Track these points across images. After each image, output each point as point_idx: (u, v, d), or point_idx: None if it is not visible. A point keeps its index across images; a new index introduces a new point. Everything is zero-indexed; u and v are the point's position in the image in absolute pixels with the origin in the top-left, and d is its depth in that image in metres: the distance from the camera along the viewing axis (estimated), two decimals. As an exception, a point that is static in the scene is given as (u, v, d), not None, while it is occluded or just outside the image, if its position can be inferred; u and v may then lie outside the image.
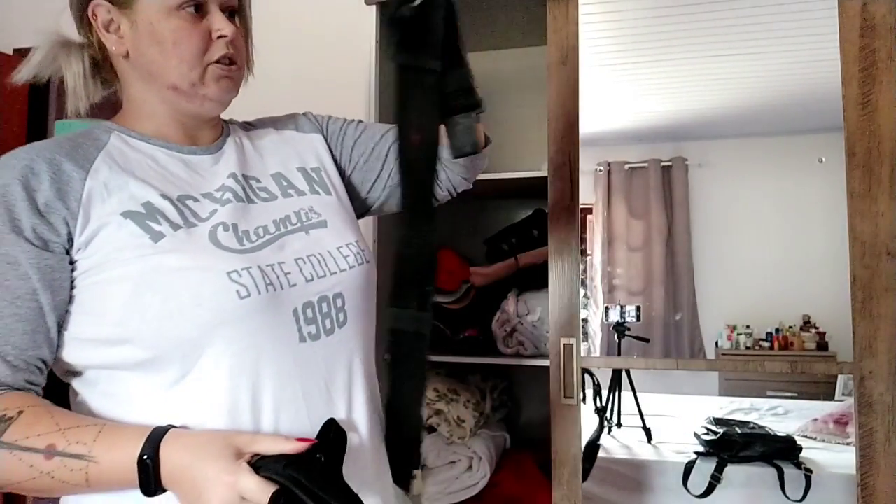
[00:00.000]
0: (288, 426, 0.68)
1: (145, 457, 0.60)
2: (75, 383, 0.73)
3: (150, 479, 0.60)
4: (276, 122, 0.93)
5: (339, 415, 0.74)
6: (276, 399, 0.69)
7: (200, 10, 0.74)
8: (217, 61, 0.75)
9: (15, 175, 0.67)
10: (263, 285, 0.68)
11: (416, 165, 0.77)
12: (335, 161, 0.91)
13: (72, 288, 0.69)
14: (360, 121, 0.96)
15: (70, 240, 0.68)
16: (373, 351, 0.85)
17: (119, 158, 0.74)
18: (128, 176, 0.72)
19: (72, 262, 0.68)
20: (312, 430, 0.67)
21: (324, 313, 0.73)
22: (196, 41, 0.73)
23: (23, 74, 0.79)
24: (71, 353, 0.70)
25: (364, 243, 0.83)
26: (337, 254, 0.77)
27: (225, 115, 0.87)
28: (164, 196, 0.71)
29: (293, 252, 0.74)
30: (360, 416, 0.78)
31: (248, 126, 0.92)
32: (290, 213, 0.78)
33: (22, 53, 0.81)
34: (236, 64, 0.78)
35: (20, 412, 0.63)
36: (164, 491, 0.62)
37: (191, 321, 0.65)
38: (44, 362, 0.68)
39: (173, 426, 0.64)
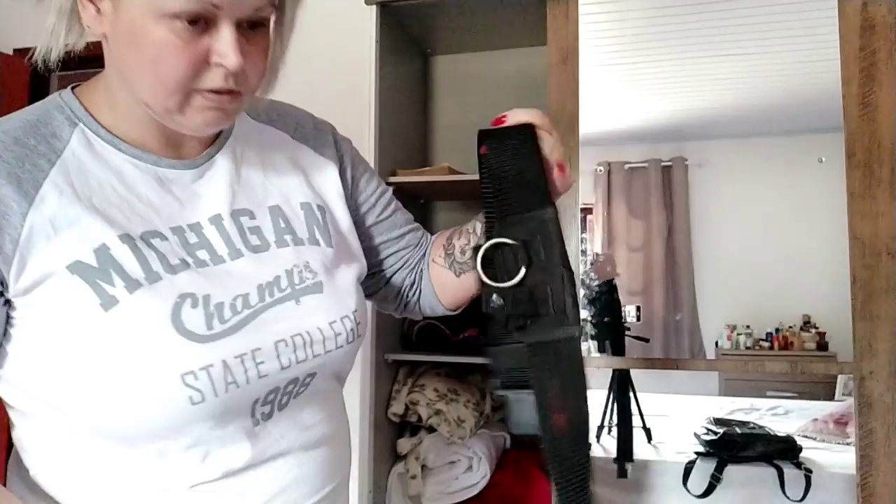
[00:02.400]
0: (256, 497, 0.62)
1: None
2: (11, 413, 0.63)
3: None
4: (298, 126, 0.75)
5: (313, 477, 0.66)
6: (230, 476, 0.61)
7: (203, 24, 0.54)
8: (208, 89, 0.56)
9: None
10: (223, 385, 0.56)
11: (563, 453, 0.57)
12: (346, 202, 0.76)
13: (8, 324, 0.57)
14: (389, 195, 0.82)
15: (3, 283, 0.55)
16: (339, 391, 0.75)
17: (76, 177, 0.58)
18: (82, 207, 0.57)
19: (7, 302, 0.57)
20: (287, 486, 0.63)
21: (288, 392, 0.63)
22: (183, 66, 0.54)
23: (51, 50, 0.62)
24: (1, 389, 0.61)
25: (363, 309, 0.70)
26: (329, 331, 0.64)
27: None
28: (124, 237, 0.57)
29: (274, 333, 0.61)
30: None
31: (257, 113, 0.73)
32: (280, 272, 0.64)
33: (22, 53, 0.77)
34: (234, 94, 0.58)
35: None
36: None
37: (132, 417, 0.56)
38: None
39: None
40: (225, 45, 0.55)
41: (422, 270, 0.82)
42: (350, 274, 0.70)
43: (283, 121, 0.75)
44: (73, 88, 0.64)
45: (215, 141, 0.67)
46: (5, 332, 0.57)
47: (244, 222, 0.65)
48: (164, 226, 0.60)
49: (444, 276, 0.78)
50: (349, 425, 0.77)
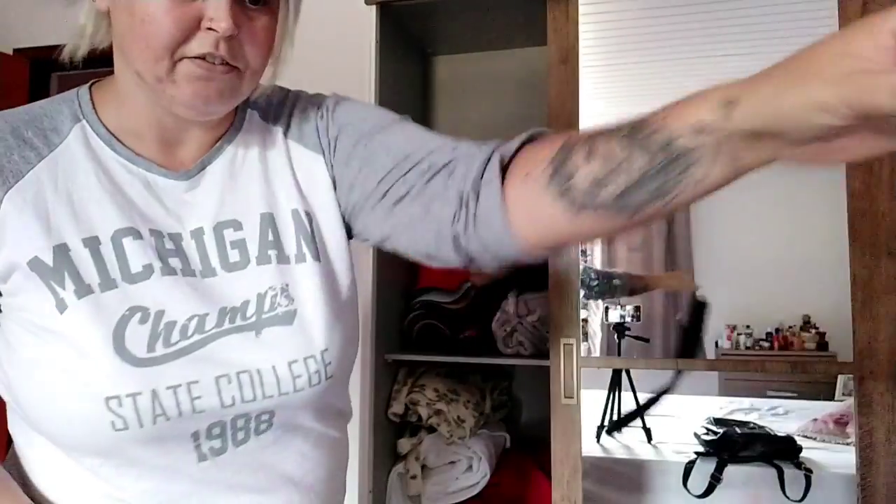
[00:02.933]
0: None
1: None
2: None
3: None
4: (291, 118, 0.68)
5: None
6: None
7: None
8: (196, 57, 0.54)
9: None
10: (150, 417, 0.54)
11: None
12: (335, 196, 0.67)
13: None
14: (373, 132, 0.65)
15: None
16: (329, 418, 0.67)
17: (63, 172, 0.58)
18: (57, 202, 0.57)
19: None
20: None
21: (237, 427, 0.58)
22: (169, 25, 0.53)
23: (70, 50, 0.63)
24: None
25: (338, 346, 0.62)
26: (285, 373, 0.58)
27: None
28: (90, 240, 0.56)
29: (218, 366, 0.56)
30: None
31: (268, 113, 0.68)
32: (252, 296, 0.59)
33: (22, 53, 0.79)
34: (229, 66, 0.56)
35: None
36: None
37: (63, 432, 0.56)
38: None
39: None
40: (217, 6, 0.53)
41: (477, 192, 0.57)
42: (333, 300, 0.63)
43: (280, 115, 0.69)
44: (91, 85, 0.64)
45: (216, 143, 0.64)
46: None
47: (227, 235, 0.62)
48: (143, 226, 0.58)
49: (542, 207, 0.53)
50: (344, 465, 0.71)
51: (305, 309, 0.60)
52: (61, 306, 0.54)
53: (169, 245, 0.59)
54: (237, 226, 0.62)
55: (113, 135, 0.61)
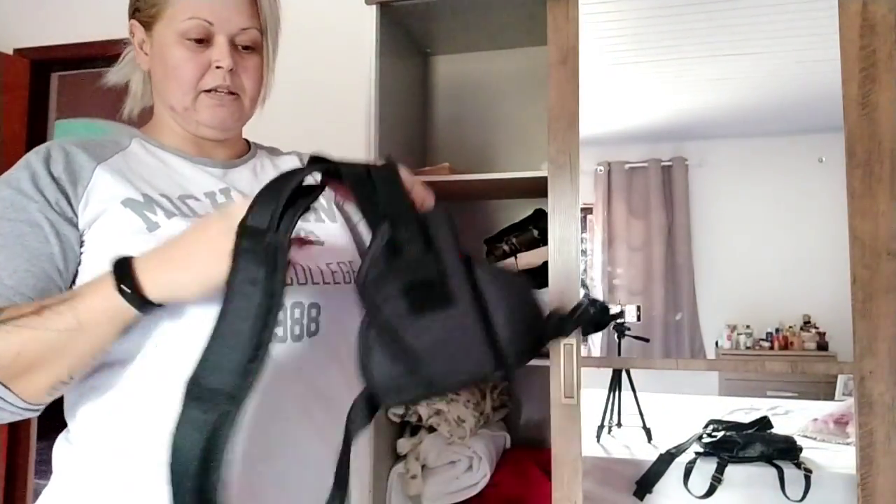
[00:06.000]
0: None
1: (115, 265, 0.62)
2: None
3: (126, 283, 0.61)
4: (302, 158, 0.96)
5: (292, 424, 0.76)
6: None
7: (206, 42, 0.79)
8: (211, 90, 0.80)
9: (39, 158, 0.74)
10: None
11: None
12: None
13: (78, 263, 0.73)
14: None
15: (76, 215, 0.73)
16: (347, 373, 0.80)
17: (133, 161, 0.80)
18: (136, 174, 0.77)
19: (81, 239, 0.73)
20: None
21: (294, 318, 0.75)
22: (192, 69, 0.79)
23: (110, 77, 0.90)
24: None
25: (351, 259, 0.85)
26: (325, 268, 0.80)
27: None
28: (164, 195, 0.77)
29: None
30: (316, 433, 0.78)
31: (274, 151, 0.97)
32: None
33: (23, 53, 0.85)
34: (233, 94, 0.81)
35: (5, 309, 0.66)
36: (152, 305, 0.63)
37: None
38: None
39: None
40: (219, 52, 0.79)
41: None
42: (347, 240, 0.88)
43: (291, 155, 0.97)
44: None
45: (239, 159, 0.89)
46: (74, 276, 0.72)
47: None
48: (198, 192, 0.80)
49: None
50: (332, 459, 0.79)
51: (328, 240, 0.84)
52: (153, 227, 0.72)
53: (220, 199, 0.81)
54: None
55: (163, 143, 0.84)
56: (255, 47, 0.83)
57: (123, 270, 0.62)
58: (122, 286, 0.62)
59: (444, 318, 0.58)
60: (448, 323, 0.58)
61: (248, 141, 0.95)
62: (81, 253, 0.72)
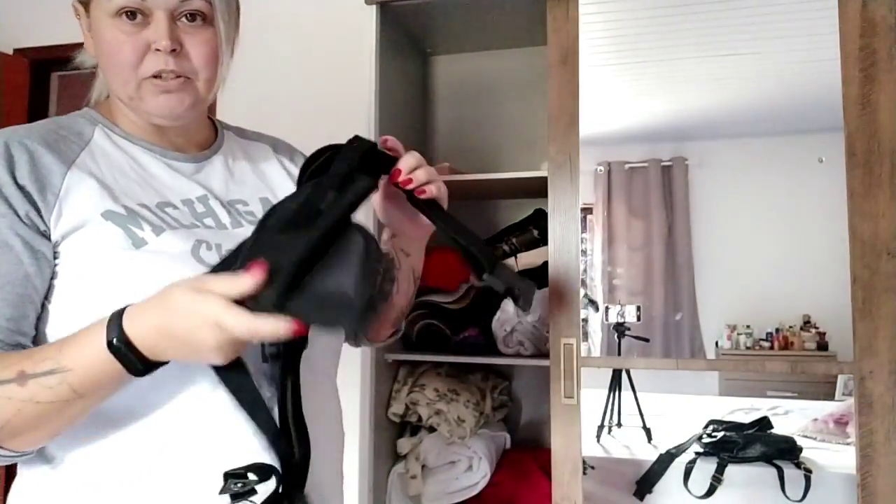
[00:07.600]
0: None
1: (113, 340, 0.57)
2: None
3: (128, 358, 0.57)
4: (276, 143, 0.91)
5: (319, 380, 0.78)
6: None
7: (142, 17, 0.67)
8: (154, 76, 0.69)
9: (1, 162, 0.65)
10: None
11: None
12: None
13: (53, 277, 0.67)
14: None
15: (47, 226, 0.66)
16: (336, 363, 0.85)
17: (101, 159, 0.71)
18: (109, 177, 0.70)
19: (55, 250, 0.66)
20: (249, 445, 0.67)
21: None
22: (128, 53, 0.67)
23: (77, 57, 0.80)
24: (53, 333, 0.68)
25: None
26: None
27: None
28: (143, 205, 0.70)
29: None
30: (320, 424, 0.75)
31: (243, 134, 0.89)
32: None
33: (23, 53, 0.84)
34: (181, 77, 0.70)
35: None
36: (155, 365, 0.59)
37: None
38: (24, 342, 0.66)
39: (129, 305, 0.60)
40: (156, 31, 0.67)
41: None
42: None
43: (263, 139, 0.90)
44: (88, 106, 0.79)
45: (209, 149, 0.81)
46: (49, 288, 0.66)
47: (240, 207, 0.78)
48: (175, 198, 0.73)
49: None
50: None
51: None
52: (139, 243, 0.66)
53: (199, 209, 0.74)
54: (244, 203, 0.79)
55: (128, 133, 0.75)
56: (205, 18, 0.70)
57: (120, 338, 0.57)
58: (123, 360, 0.58)
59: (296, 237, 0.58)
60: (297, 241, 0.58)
61: (213, 121, 0.86)
62: (56, 265, 0.66)
